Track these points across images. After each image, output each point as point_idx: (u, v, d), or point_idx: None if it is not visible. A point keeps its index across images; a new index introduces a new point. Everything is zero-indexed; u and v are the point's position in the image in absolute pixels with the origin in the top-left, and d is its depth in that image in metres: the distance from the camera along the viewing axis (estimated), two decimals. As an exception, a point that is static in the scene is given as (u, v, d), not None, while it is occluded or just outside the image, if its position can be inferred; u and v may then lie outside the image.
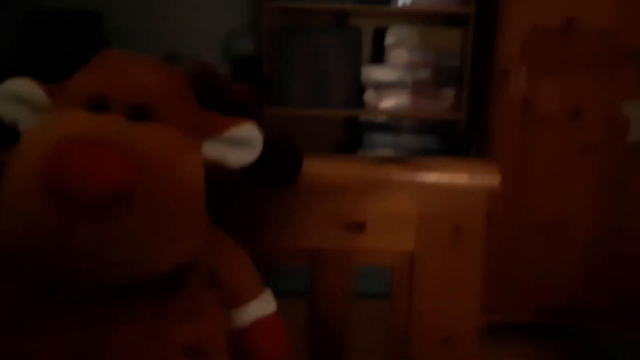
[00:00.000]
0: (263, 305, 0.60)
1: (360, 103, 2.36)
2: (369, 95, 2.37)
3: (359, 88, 2.35)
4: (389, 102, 2.37)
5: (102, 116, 0.49)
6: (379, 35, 2.41)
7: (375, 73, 2.35)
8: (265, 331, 0.59)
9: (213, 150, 0.55)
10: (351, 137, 2.48)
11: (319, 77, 2.35)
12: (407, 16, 2.37)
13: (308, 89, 2.35)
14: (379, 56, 2.39)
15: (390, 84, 2.36)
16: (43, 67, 1.88)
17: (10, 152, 0.67)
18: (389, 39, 2.35)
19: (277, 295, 0.62)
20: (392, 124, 2.41)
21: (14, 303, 0.53)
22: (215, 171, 0.55)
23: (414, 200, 0.68)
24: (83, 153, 0.44)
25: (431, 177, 0.67)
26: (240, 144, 0.56)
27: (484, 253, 0.67)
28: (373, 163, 0.68)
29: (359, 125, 2.41)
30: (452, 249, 0.68)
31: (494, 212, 0.64)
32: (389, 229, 0.68)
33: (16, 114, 0.54)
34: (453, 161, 0.69)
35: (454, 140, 2.34)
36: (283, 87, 2.32)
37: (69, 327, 0.51)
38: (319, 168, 0.66)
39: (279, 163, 0.60)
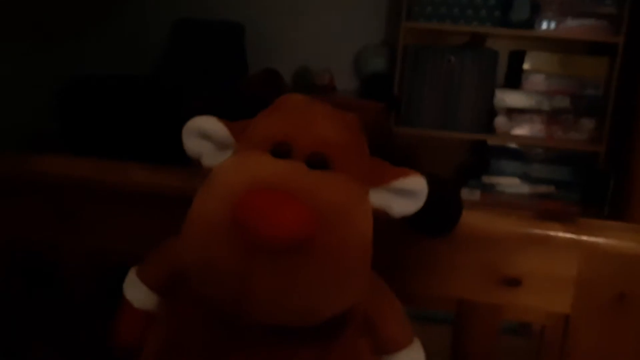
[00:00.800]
0: (413, 355, 0.60)
1: (490, 128, 2.29)
2: (500, 121, 2.30)
3: (490, 112, 2.29)
4: (522, 129, 2.29)
5: (286, 163, 0.51)
6: (516, 59, 2.33)
7: (509, 98, 2.28)
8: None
9: (379, 198, 0.56)
10: (477, 161, 2.42)
11: (450, 99, 2.31)
12: (547, 41, 2.28)
13: (437, 110, 2.32)
14: (514, 81, 2.31)
15: (524, 110, 2.28)
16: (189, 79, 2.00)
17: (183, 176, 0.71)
18: (527, 64, 2.27)
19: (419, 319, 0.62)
20: (523, 152, 2.33)
21: (180, 332, 0.57)
22: (379, 215, 0.56)
23: (575, 261, 0.65)
24: (270, 200, 0.46)
25: (596, 239, 0.64)
26: (406, 194, 0.56)
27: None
28: (535, 218, 0.66)
29: (487, 149, 2.34)
30: (613, 317, 0.64)
31: None
32: (545, 288, 0.66)
33: (201, 149, 0.58)
34: (621, 225, 0.65)
35: (591, 174, 2.22)
36: (412, 106, 2.31)
37: (234, 359, 0.53)
38: (477, 219, 0.65)
39: (440, 213, 0.59)
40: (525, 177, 2.32)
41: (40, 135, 1.87)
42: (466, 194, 2.32)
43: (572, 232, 0.64)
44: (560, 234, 0.64)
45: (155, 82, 2.02)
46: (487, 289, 0.67)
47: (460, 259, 0.67)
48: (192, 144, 0.58)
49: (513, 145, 2.33)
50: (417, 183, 0.55)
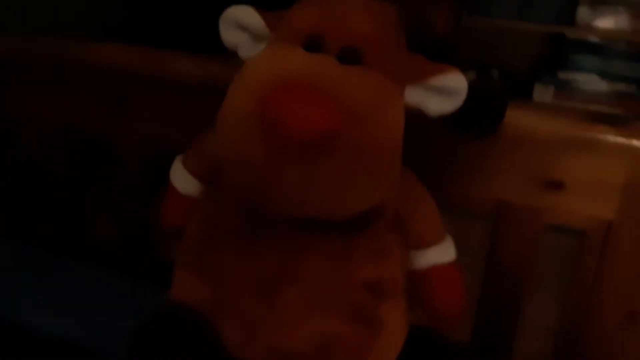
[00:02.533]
0: (444, 252, 0.61)
1: (570, 19, 2.14)
2: (583, 11, 2.13)
3: (572, 2, 2.12)
4: (605, 21, 2.12)
5: (317, 57, 0.50)
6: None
7: (594, -13, 2.10)
8: (442, 278, 0.60)
9: (415, 95, 0.55)
10: (555, 55, 2.28)
11: (529, -13, 2.15)
12: None
13: (514, -1, 2.17)
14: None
15: (609, 1, 2.09)
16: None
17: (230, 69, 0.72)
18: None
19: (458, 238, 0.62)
20: (604, 46, 2.17)
21: (217, 217, 0.60)
22: (413, 114, 0.55)
23: (624, 167, 0.62)
24: (297, 97, 0.46)
25: (649, 145, 0.60)
26: (444, 92, 0.54)
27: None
28: (584, 120, 0.63)
29: (566, 43, 2.20)
30: (659, 226, 0.62)
31: None
32: (589, 193, 0.64)
33: (238, 40, 0.58)
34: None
35: (677, 72, 2.06)
36: (488, -6, 2.17)
37: (264, 249, 0.56)
38: (524, 119, 0.63)
39: (481, 113, 0.57)
40: (605, 74, 2.18)
41: (107, 23, 1.90)
42: (540, 90, 2.22)
43: (623, 136, 0.61)
44: (610, 138, 0.61)
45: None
46: (529, 192, 0.66)
47: (501, 160, 0.65)
48: (228, 34, 0.58)
49: (594, 38, 2.17)
50: (456, 81, 0.53)
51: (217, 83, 0.71)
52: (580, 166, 0.64)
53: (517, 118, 0.63)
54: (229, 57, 0.61)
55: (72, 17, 1.75)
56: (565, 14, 2.14)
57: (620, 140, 0.61)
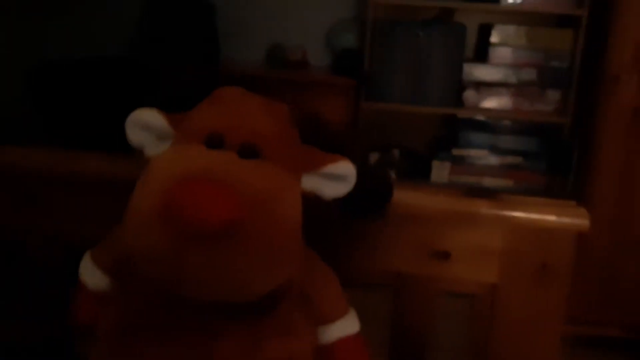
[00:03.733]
0: (348, 325, 0.65)
1: (459, 101, 2.34)
2: (469, 94, 2.34)
3: (459, 86, 2.33)
4: (490, 101, 2.33)
5: (218, 153, 0.55)
6: (484, 32, 2.36)
7: (477, 71, 2.32)
8: (348, 351, 0.64)
9: (311, 182, 0.60)
10: (447, 134, 2.46)
11: (419, 73, 2.34)
12: (515, 14, 2.31)
13: (407, 84, 2.35)
14: (482, 54, 2.35)
15: (493, 84, 2.32)
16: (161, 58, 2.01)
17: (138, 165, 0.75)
18: (494, 37, 2.30)
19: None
20: (491, 124, 2.38)
21: (132, 307, 0.62)
22: (311, 198, 0.60)
23: (500, 235, 0.70)
24: (197, 191, 0.50)
25: (519, 214, 0.69)
26: (336, 179, 0.60)
27: (568, 294, 0.68)
28: (462, 196, 0.71)
29: (456, 122, 2.39)
30: (536, 286, 0.70)
31: (594, 223, 0.65)
32: (473, 260, 0.71)
33: (143, 139, 0.62)
34: (542, 201, 0.70)
35: (556, 145, 2.27)
36: (382, 81, 2.34)
37: (180, 336, 0.58)
38: (408, 198, 0.70)
39: (370, 196, 0.64)
40: (494, 149, 2.37)
41: (10, 120, 1.89)
42: (437, 166, 2.38)
43: (496, 208, 0.69)
44: (485, 210, 0.69)
45: (123, 63, 2.04)
46: (421, 263, 0.72)
47: (394, 236, 0.72)
48: (134, 135, 0.62)
49: (481, 117, 2.37)
50: (345, 168, 0.60)
51: (125, 179, 0.74)
52: (462, 236, 0.71)
53: (406, 197, 0.70)
54: (136, 155, 0.65)
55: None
56: (453, 97, 2.33)
57: (494, 211, 0.69)
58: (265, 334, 0.59)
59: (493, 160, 2.37)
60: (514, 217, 0.69)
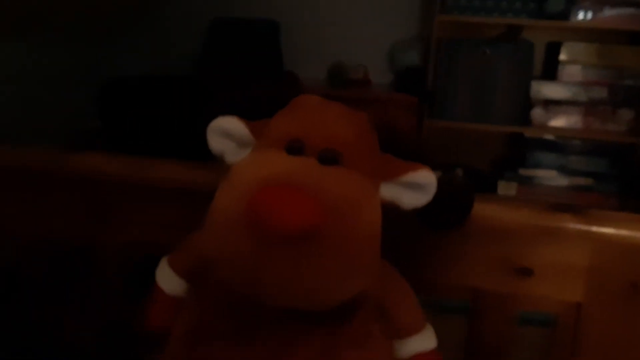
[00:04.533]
0: (424, 341, 0.63)
1: (526, 120, 2.28)
2: (537, 112, 2.28)
3: (527, 104, 2.27)
4: (559, 120, 2.27)
5: (299, 159, 0.55)
6: (552, 50, 2.31)
7: (545, 89, 2.26)
8: (425, 366, 0.62)
9: (390, 191, 0.59)
10: (514, 154, 2.40)
11: (485, 91, 2.30)
12: (585, 32, 2.25)
13: (473, 102, 2.32)
14: (550, 72, 2.29)
15: (561, 102, 2.25)
16: (229, 77, 2.06)
17: (210, 173, 0.75)
18: (563, 55, 2.25)
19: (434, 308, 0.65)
20: (560, 144, 2.30)
21: (205, 316, 0.62)
22: (389, 208, 0.59)
23: (586, 252, 0.66)
24: (281, 195, 0.50)
25: (607, 230, 0.65)
26: (415, 188, 0.59)
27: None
28: (546, 210, 0.68)
29: (523, 142, 2.33)
30: (625, 306, 0.66)
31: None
32: (557, 278, 0.68)
33: (224, 147, 0.62)
34: (631, 216, 0.66)
35: (628, 166, 2.18)
36: (447, 99, 2.31)
37: (252, 343, 0.57)
38: (490, 211, 0.68)
39: (450, 207, 0.62)
40: (563, 169, 2.30)
41: (81, 134, 1.96)
42: (503, 187, 2.32)
43: (583, 223, 0.66)
44: (571, 225, 0.66)
45: (191, 82, 2.09)
46: (501, 279, 0.69)
47: (473, 250, 0.69)
48: (215, 142, 0.62)
49: (550, 137, 2.31)
50: (426, 177, 0.58)
51: (199, 188, 0.75)
52: (546, 253, 0.68)
53: (488, 210, 0.67)
54: (213, 163, 0.65)
55: (47, 127, 1.80)
56: (520, 115, 2.28)
57: (580, 226, 0.66)
58: (341, 345, 0.58)
59: (562, 181, 2.29)
60: (601, 233, 0.65)
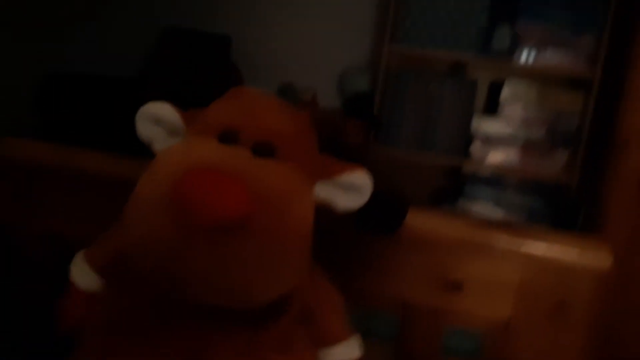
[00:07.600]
0: (350, 350, 0.61)
1: (465, 153, 2.32)
2: (476, 147, 2.33)
3: (467, 138, 2.32)
4: (497, 156, 2.32)
5: (231, 148, 0.52)
6: (495, 87, 2.37)
7: (486, 125, 2.31)
8: (349, 377, 0.60)
9: (324, 191, 0.57)
10: (452, 185, 2.44)
11: (429, 122, 2.34)
12: (527, 73, 2.32)
13: (416, 131, 2.35)
14: (492, 109, 2.35)
15: (501, 138, 2.31)
16: (173, 85, 2.02)
17: (141, 165, 0.72)
18: (505, 93, 2.31)
19: (364, 335, 0.63)
20: (497, 179, 2.35)
21: (124, 307, 0.58)
22: (322, 211, 0.57)
23: (517, 269, 0.66)
24: (208, 181, 0.47)
25: (538, 247, 0.65)
26: (351, 189, 0.57)
27: (589, 336, 0.64)
28: (480, 225, 0.67)
29: (461, 175, 2.37)
30: (553, 324, 0.66)
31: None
32: (486, 294, 0.67)
33: (153, 134, 0.59)
34: (563, 234, 0.67)
35: (562, 205, 2.25)
36: (392, 126, 2.33)
37: (170, 338, 0.54)
38: (423, 222, 0.67)
39: (384, 211, 0.60)
40: (498, 204, 2.34)
41: (19, 125, 1.87)
42: (440, 217, 2.34)
43: (515, 240, 0.65)
44: (503, 242, 0.66)
45: (131, 83, 2.04)
46: (430, 293, 0.68)
47: (404, 260, 0.68)
48: (144, 128, 0.59)
49: (487, 172, 2.36)
50: (362, 178, 0.57)
51: (124, 179, 0.71)
52: (477, 268, 0.67)
53: (420, 221, 0.66)
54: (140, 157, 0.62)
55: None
56: (461, 148, 2.32)
57: (512, 243, 0.66)
58: (264, 348, 0.55)
59: (497, 214, 2.33)
60: (532, 250, 0.65)
